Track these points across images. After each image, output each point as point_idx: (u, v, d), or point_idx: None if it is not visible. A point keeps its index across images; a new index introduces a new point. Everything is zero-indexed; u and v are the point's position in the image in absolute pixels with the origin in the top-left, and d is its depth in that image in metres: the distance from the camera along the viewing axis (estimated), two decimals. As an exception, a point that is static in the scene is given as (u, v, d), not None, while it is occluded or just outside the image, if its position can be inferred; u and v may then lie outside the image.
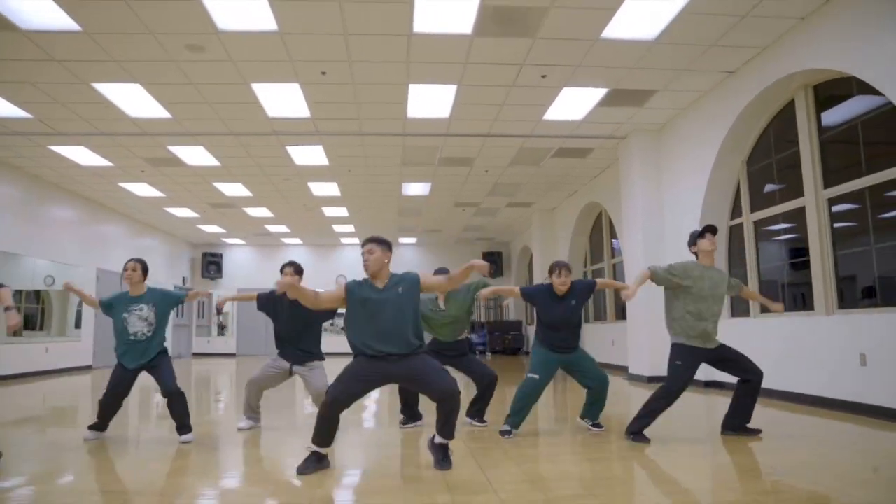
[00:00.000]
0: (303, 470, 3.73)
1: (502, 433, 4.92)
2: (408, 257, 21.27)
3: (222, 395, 9.27)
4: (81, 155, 10.53)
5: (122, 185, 12.60)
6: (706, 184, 8.14)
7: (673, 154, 9.09)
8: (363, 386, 3.82)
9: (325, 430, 3.76)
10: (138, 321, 4.81)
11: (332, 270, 21.11)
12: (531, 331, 17.83)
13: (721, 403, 6.89)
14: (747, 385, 4.83)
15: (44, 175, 11.82)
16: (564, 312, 4.98)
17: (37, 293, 12.96)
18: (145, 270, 5.00)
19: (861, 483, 3.45)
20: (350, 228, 18.21)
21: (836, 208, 6.46)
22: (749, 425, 4.85)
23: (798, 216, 6.94)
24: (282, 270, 5.25)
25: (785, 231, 7.47)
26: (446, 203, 14.81)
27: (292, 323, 5.20)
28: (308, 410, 6.68)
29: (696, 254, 4.93)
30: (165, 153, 10.44)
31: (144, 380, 4.97)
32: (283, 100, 8.16)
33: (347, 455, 4.46)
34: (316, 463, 3.78)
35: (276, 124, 9.12)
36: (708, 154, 8.08)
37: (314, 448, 3.78)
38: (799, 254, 7.03)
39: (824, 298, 6.41)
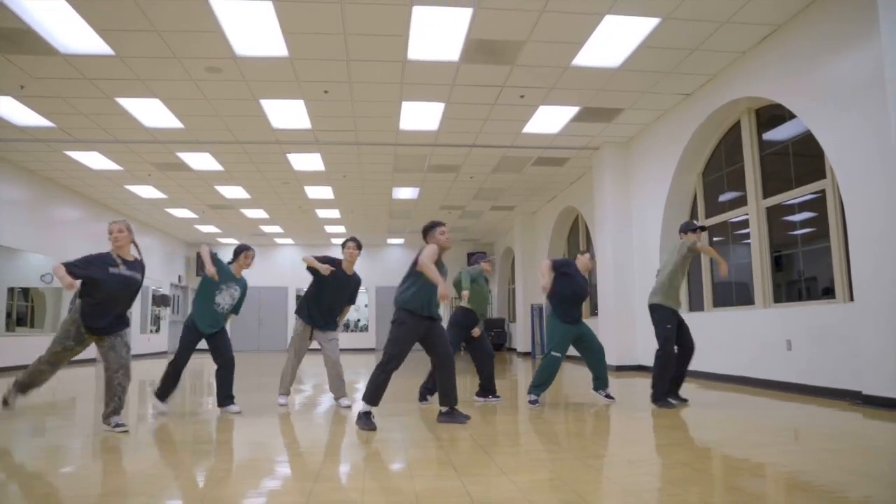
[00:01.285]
0: (363, 425, 4.56)
1: (531, 402, 5.87)
2: (395, 256, 22.18)
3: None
4: (93, 159, 11.30)
5: (128, 187, 13.37)
6: (667, 192, 9.11)
7: (640, 165, 10.07)
8: (412, 344, 4.76)
9: (378, 390, 4.67)
10: (228, 297, 5.60)
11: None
12: (514, 328, 18.76)
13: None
14: (684, 353, 5.98)
15: (55, 178, 12.58)
16: (587, 287, 6.08)
17: (26, 290, 13.48)
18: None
19: (757, 431, 4.39)
20: (341, 229, 19.04)
21: (790, 217, 7.45)
22: (679, 392, 6.02)
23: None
24: (344, 245, 6.02)
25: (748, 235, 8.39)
26: (434, 206, 15.71)
27: (336, 295, 5.96)
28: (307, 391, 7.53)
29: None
30: (173, 159, 11.25)
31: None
32: (287, 114, 9.02)
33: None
34: (369, 421, 4.61)
35: (280, 134, 9.97)
36: (669, 166, 9.05)
37: (368, 408, 4.65)
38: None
39: (762, 294, 7.40)
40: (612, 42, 6.88)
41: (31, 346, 12.40)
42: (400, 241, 21.69)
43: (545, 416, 5.44)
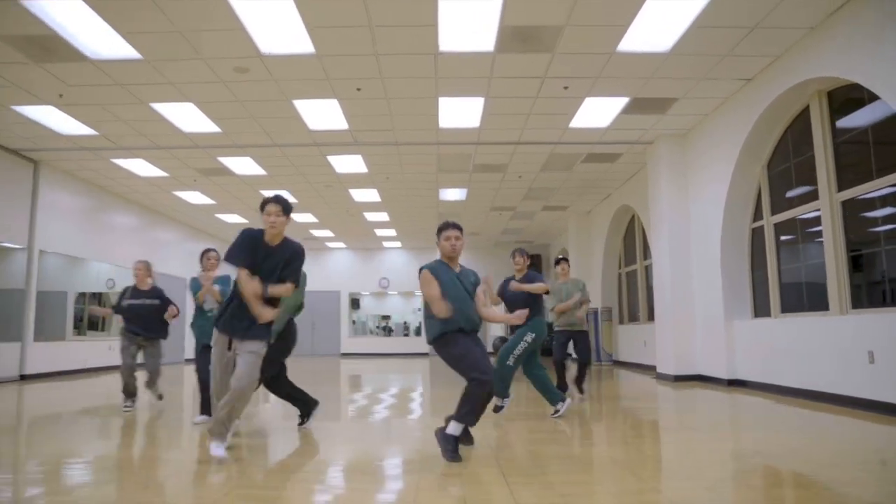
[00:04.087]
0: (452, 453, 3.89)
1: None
2: (448, 260, 21.76)
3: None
4: (140, 167, 11.39)
5: (176, 193, 13.48)
6: (728, 188, 8.36)
7: (698, 158, 9.32)
8: (477, 348, 4.07)
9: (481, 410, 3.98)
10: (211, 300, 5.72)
11: (375, 273, 21.86)
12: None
13: (739, 401, 7.16)
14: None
15: (107, 186, 12.79)
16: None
17: (99, 295, 13.93)
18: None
19: (834, 465, 3.74)
20: (392, 233, 18.81)
21: (869, 212, 6.63)
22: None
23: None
24: (263, 208, 4.03)
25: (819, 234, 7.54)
26: (483, 207, 15.24)
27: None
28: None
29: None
30: (215, 164, 11.20)
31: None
32: (322, 114, 8.76)
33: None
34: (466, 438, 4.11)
35: (317, 136, 9.73)
36: (729, 158, 8.31)
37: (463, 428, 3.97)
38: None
39: (838, 299, 6.60)
40: (660, 23, 6.26)
41: (99, 350, 13.03)
42: (452, 243, 21.25)
43: (568, 429, 4.91)
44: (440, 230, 4.25)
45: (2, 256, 10.54)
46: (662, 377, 9.80)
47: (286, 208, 4.05)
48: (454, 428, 3.91)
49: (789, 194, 7.76)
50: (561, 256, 7.63)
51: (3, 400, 7.90)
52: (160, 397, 6.91)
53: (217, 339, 4.05)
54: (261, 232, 4.04)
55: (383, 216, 16.23)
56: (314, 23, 6.24)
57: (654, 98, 8.25)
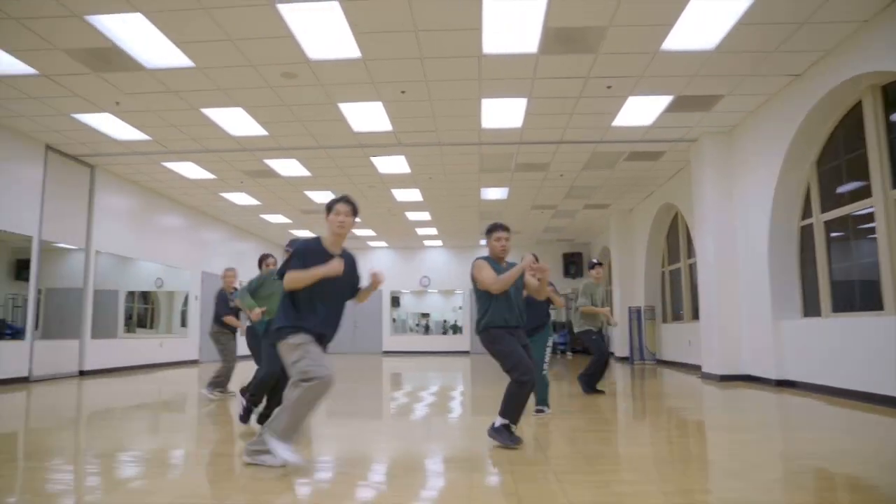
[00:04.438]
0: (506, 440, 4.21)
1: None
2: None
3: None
4: (189, 169, 11.75)
5: (223, 194, 13.85)
6: (776, 185, 8.23)
7: (744, 155, 9.18)
8: (518, 346, 4.39)
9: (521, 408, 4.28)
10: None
11: (416, 271, 22.06)
12: (611, 331, 17.90)
13: (789, 402, 7.06)
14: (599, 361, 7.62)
15: (156, 188, 13.23)
16: None
17: (146, 294, 14.41)
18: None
19: (890, 468, 3.69)
20: (433, 231, 18.94)
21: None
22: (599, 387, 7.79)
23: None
24: (331, 208, 3.80)
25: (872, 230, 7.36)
26: (524, 206, 15.25)
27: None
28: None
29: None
30: (262, 166, 11.48)
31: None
32: (367, 116, 8.92)
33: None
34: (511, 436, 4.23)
35: (361, 138, 9.91)
36: (778, 155, 8.17)
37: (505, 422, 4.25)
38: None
39: (893, 298, 6.45)
40: (705, 21, 6.21)
41: (149, 347, 13.53)
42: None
43: (614, 428, 4.92)
44: (490, 231, 4.59)
45: (62, 257, 11.02)
46: (708, 377, 9.70)
47: (355, 209, 3.82)
48: (500, 420, 4.23)
49: (840, 191, 7.60)
50: (596, 261, 7.94)
51: (74, 395, 8.29)
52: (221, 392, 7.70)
53: (305, 339, 3.68)
54: (317, 241, 3.79)
55: (425, 216, 16.38)
56: (361, 28, 6.38)
57: (699, 96, 8.17)
